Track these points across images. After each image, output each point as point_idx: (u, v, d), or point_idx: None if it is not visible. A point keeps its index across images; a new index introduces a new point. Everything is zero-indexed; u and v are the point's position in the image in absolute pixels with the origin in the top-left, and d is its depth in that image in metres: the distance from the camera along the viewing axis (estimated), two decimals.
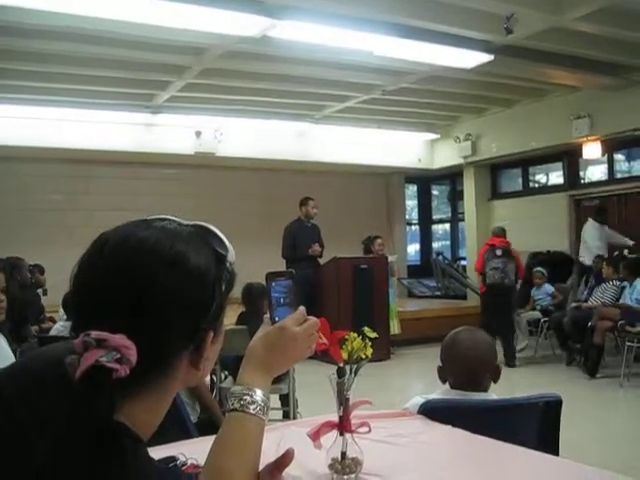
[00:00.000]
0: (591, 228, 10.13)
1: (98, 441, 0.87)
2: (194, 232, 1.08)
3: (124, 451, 0.90)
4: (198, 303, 1.01)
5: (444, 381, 2.52)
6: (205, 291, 1.02)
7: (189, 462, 1.85)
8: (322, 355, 1.76)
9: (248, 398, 1.15)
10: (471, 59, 7.86)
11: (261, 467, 1.22)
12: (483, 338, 2.54)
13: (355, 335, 1.69)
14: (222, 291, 1.07)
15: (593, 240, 9.98)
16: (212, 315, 1.04)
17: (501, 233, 9.38)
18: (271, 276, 1.35)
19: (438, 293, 14.05)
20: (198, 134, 11.21)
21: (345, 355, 1.68)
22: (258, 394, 1.17)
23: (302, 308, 1.31)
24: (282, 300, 1.34)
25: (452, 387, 2.47)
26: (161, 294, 0.97)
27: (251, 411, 1.15)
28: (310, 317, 1.30)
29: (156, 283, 0.97)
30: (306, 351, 1.29)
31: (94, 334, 0.90)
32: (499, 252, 9.06)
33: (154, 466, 0.96)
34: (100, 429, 0.87)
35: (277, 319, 1.29)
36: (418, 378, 8.49)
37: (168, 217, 1.10)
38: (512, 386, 7.26)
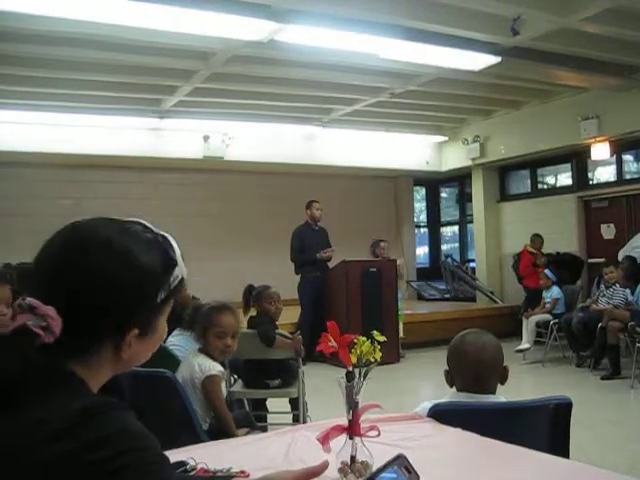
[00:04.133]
0: None
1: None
2: (153, 239, 1.17)
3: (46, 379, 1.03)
4: (130, 300, 1.11)
5: (452, 385, 2.52)
6: (140, 291, 1.12)
7: (199, 466, 1.86)
8: (331, 358, 1.77)
9: None
10: (478, 61, 7.86)
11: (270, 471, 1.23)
12: (489, 340, 2.54)
13: (364, 339, 1.69)
14: (159, 298, 1.15)
15: None
16: (141, 315, 1.13)
17: None
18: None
19: (447, 295, 14.03)
20: (206, 138, 11.24)
21: (354, 359, 1.68)
22: None
23: None
24: None
25: (459, 390, 2.47)
26: (99, 283, 1.08)
27: None
28: None
29: (96, 273, 1.08)
30: None
31: (28, 300, 1.03)
32: None
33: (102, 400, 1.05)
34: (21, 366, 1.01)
35: None
36: (427, 381, 8.47)
37: (140, 221, 1.19)
38: (521, 388, 7.24)
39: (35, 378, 1.02)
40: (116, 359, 1.14)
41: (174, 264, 1.18)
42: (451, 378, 2.52)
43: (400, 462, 1.42)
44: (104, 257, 1.10)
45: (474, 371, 2.45)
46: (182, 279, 1.20)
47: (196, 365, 3.44)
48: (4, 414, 1.00)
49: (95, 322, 1.08)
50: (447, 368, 2.55)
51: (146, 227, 1.19)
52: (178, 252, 1.21)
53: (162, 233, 1.21)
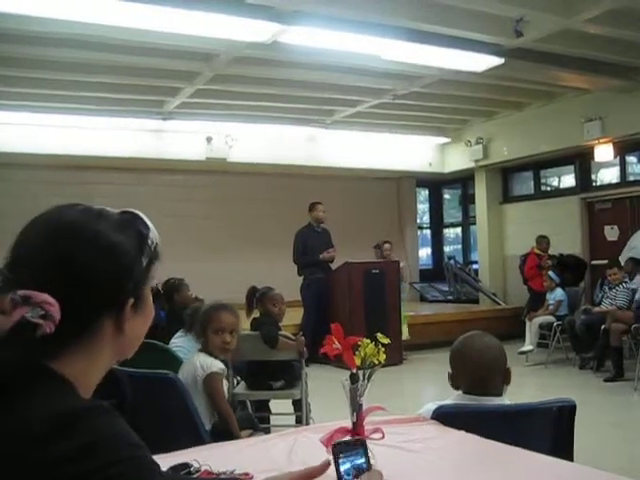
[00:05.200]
0: None
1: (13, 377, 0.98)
2: (117, 214, 1.19)
3: (29, 382, 0.99)
4: (115, 272, 1.09)
5: (456, 388, 2.51)
6: (123, 261, 1.11)
7: (203, 468, 1.86)
8: (335, 360, 1.77)
9: None
10: (482, 63, 7.85)
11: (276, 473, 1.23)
12: (491, 342, 2.53)
13: (368, 341, 1.69)
14: (143, 264, 1.15)
15: None
16: (132, 283, 1.12)
17: None
18: (339, 447, 1.42)
19: (450, 297, 14.01)
20: (209, 140, 11.24)
21: (358, 361, 1.68)
22: None
23: None
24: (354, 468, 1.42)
25: (464, 393, 2.46)
26: (79, 264, 1.06)
27: None
28: None
29: (74, 254, 1.06)
30: None
31: (20, 292, 1.00)
32: None
33: (79, 403, 1.01)
34: (12, 367, 0.99)
35: None
36: (431, 383, 8.46)
37: (98, 205, 1.20)
38: (524, 390, 7.23)
39: (21, 377, 0.99)
40: (117, 336, 1.12)
41: (147, 228, 1.19)
42: (456, 381, 2.52)
43: (364, 448, 1.44)
44: (79, 238, 1.09)
45: (477, 374, 2.44)
46: (157, 244, 1.20)
47: (198, 363, 3.48)
48: None
49: (92, 297, 1.06)
50: (450, 371, 2.55)
51: (106, 208, 1.21)
52: (147, 220, 1.22)
53: (124, 209, 1.22)
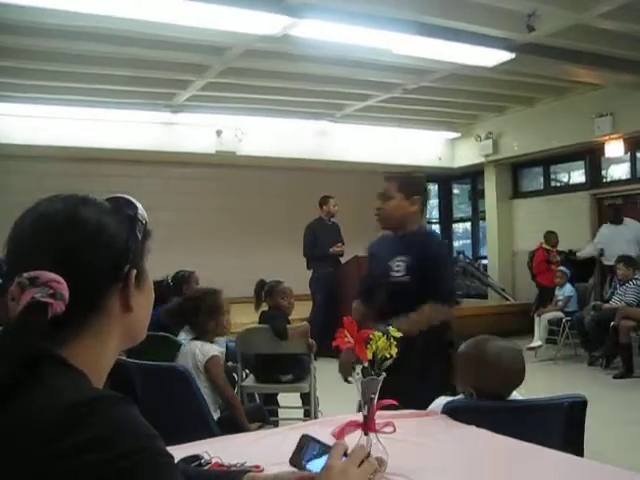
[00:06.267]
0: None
1: (20, 365, 0.95)
2: (102, 200, 1.20)
3: (39, 371, 0.97)
4: (114, 250, 1.10)
5: (463, 391, 2.44)
6: (117, 237, 1.12)
7: (213, 461, 1.86)
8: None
9: None
10: (492, 57, 7.82)
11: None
12: (507, 346, 2.48)
13: (380, 334, 1.68)
14: (139, 237, 1.17)
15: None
16: (131, 258, 1.13)
17: None
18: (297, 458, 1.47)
19: (459, 292, 13.96)
20: (219, 133, 11.23)
21: (370, 354, 1.67)
22: None
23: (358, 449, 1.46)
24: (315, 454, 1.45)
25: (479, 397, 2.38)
26: (73, 247, 1.07)
27: None
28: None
29: (66, 240, 1.07)
30: None
31: (25, 274, 1.00)
32: None
33: (86, 391, 0.98)
34: (25, 356, 0.96)
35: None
36: None
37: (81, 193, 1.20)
38: (533, 386, 7.20)
39: (29, 366, 0.95)
40: (125, 316, 1.12)
41: (135, 207, 1.21)
42: (464, 384, 2.43)
43: (309, 439, 1.47)
44: (70, 224, 1.10)
45: (501, 378, 2.36)
46: (147, 222, 1.21)
47: (196, 350, 3.58)
48: None
49: (95, 275, 1.07)
50: (459, 374, 2.47)
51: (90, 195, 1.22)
52: (134, 200, 1.23)
53: (110, 195, 1.23)
